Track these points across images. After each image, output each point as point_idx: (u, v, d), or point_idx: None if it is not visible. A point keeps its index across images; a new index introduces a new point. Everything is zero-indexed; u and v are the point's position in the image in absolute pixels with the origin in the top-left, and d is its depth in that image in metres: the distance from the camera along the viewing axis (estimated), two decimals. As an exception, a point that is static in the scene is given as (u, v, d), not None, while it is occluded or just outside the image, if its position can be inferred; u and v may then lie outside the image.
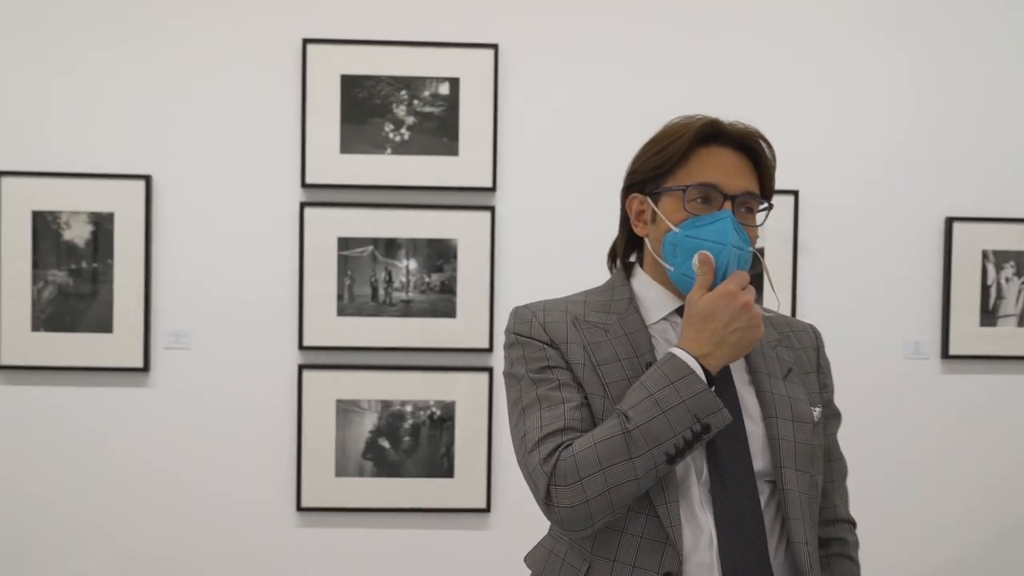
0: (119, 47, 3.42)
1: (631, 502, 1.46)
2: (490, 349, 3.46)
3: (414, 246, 3.45)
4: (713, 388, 1.44)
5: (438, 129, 3.44)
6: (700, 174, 1.56)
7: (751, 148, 1.59)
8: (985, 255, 3.58)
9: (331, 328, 3.41)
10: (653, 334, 1.59)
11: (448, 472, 3.47)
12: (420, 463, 3.46)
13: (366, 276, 3.44)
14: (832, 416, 1.75)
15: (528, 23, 3.51)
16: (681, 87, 3.52)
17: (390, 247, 3.45)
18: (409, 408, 3.47)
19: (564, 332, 1.57)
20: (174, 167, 3.42)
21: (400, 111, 3.45)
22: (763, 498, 1.52)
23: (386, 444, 3.46)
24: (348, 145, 3.40)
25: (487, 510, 3.49)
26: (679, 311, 1.61)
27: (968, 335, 3.57)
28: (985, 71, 3.62)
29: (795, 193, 3.53)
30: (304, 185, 3.38)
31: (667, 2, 3.54)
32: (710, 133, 1.58)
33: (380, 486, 3.43)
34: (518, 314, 1.65)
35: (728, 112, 1.70)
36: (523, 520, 3.44)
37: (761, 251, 3.44)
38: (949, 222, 3.58)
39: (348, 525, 3.47)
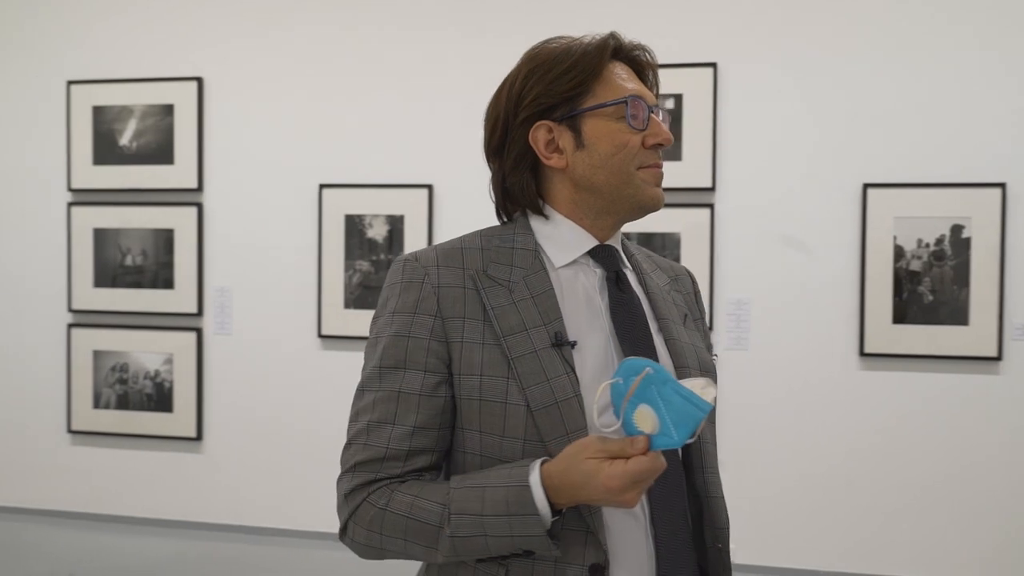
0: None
1: None
2: (710, 328, 3.99)
3: (644, 240, 4.05)
4: (556, 518, 1.28)
5: (665, 138, 4.02)
6: (623, 87, 1.44)
7: (641, 60, 1.53)
8: None
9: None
10: (561, 282, 1.44)
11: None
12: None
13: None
14: None
15: (743, 43, 4.00)
16: (886, 93, 3.88)
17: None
18: (639, 377, 4.07)
19: (461, 301, 1.38)
20: (451, 176, 4.23)
21: (632, 124, 4.06)
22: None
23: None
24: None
25: (707, 468, 4.02)
26: (592, 253, 1.48)
27: None
28: None
29: (1002, 186, 3.77)
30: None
31: (870, 21, 3.91)
32: (614, 47, 1.49)
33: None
34: (407, 268, 1.42)
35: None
36: (736, 476, 3.96)
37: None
38: None
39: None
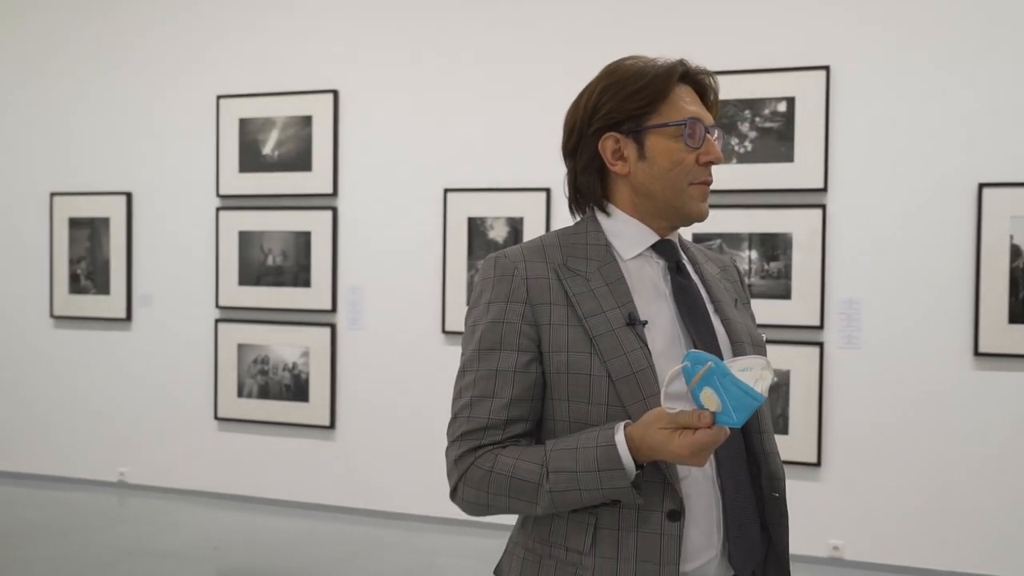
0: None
1: None
2: (821, 326, 4.07)
3: (758, 239, 4.16)
4: (639, 471, 1.44)
5: (777, 140, 4.12)
6: (684, 109, 1.58)
7: (705, 84, 1.65)
8: None
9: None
10: (630, 271, 1.60)
11: (784, 430, 4.13)
12: (759, 420, 4.15)
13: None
14: None
15: (855, 46, 4.06)
16: (1000, 92, 3.88)
17: (735, 240, 4.19)
18: (750, 374, 4.18)
19: (547, 290, 1.56)
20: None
21: (744, 127, 4.18)
22: None
23: (731, 403, 4.20)
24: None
25: (817, 464, 4.09)
26: (654, 247, 1.63)
27: None
28: None
29: (1126, 185, 3.73)
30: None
31: (982, 21, 3.91)
32: (682, 72, 1.61)
33: (725, 437, 4.18)
34: (499, 265, 1.60)
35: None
36: (852, 475, 4.02)
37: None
38: None
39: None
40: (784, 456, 4.10)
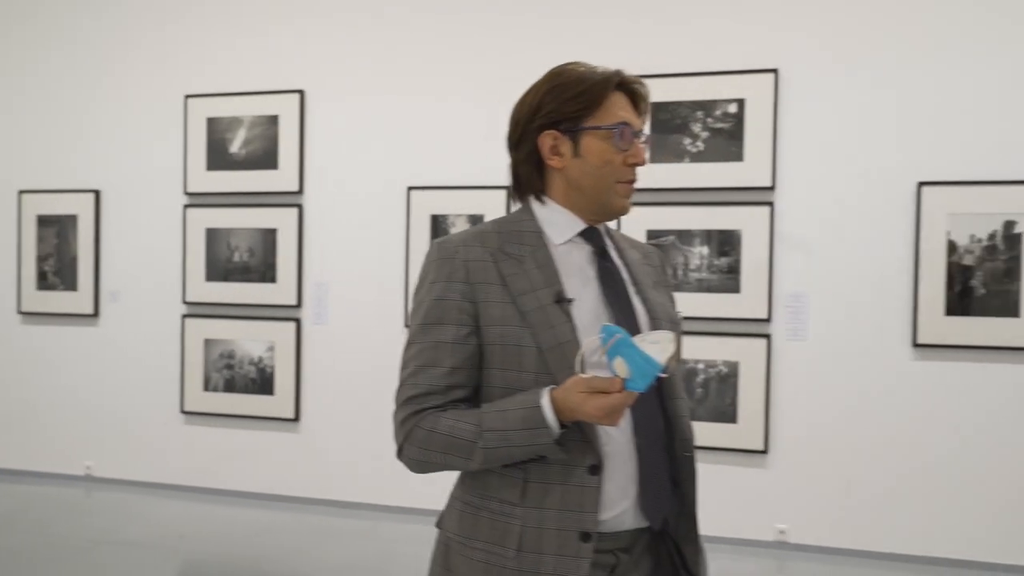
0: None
1: None
2: (768, 319, 4.23)
3: (708, 236, 4.32)
4: (563, 430, 1.62)
5: (727, 140, 4.29)
6: (617, 114, 1.75)
7: (638, 92, 1.81)
8: None
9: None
10: (559, 255, 1.77)
11: (732, 419, 4.29)
12: (709, 411, 4.31)
13: (667, 259, 4.36)
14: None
15: (803, 50, 4.25)
16: (938, 94, 4.07)
17: (687, 236, 4.35)
18: (701, 366, 4.34)
19: (484, 271, 1.72)
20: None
21: (696, 128, 4.34)
22: None
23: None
24: (655, 156, 4.36)
25: (765, 451, 4.25)
26: (582, 234, 1.80)
27: None
28: None
29: (1054, 184, 3.92)
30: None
31: (922, 25, 4.11)
32: (619, 81, 1.78)
33: (678, 426, 4.33)
34: (442, 249, 1.76)
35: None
36: (798, 462, 4.18)
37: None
38: None
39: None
40: (732, 444, 4.28)
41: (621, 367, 1.52)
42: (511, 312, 1.69)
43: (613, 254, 1.85)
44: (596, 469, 1.65)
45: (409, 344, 1.78)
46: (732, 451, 4.29)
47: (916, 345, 4.08)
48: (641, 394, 1.57)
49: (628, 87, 1.80)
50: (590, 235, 1.81)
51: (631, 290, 1.81)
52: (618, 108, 1.76)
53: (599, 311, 1.73)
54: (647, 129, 1.87)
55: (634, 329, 1.71)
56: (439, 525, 1.80)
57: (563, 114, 1.75)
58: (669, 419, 1.76)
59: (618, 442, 1.68)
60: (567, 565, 1.63)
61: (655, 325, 1.77)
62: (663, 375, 1.56)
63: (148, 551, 4.33)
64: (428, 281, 1.76)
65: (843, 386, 4.19)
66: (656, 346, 1.53)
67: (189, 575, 4.23)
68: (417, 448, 1.70)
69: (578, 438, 1.65)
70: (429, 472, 1.74)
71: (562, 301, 1.70)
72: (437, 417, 1.69)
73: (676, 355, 1.64)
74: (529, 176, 1.82)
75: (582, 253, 1.80)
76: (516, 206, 1.88)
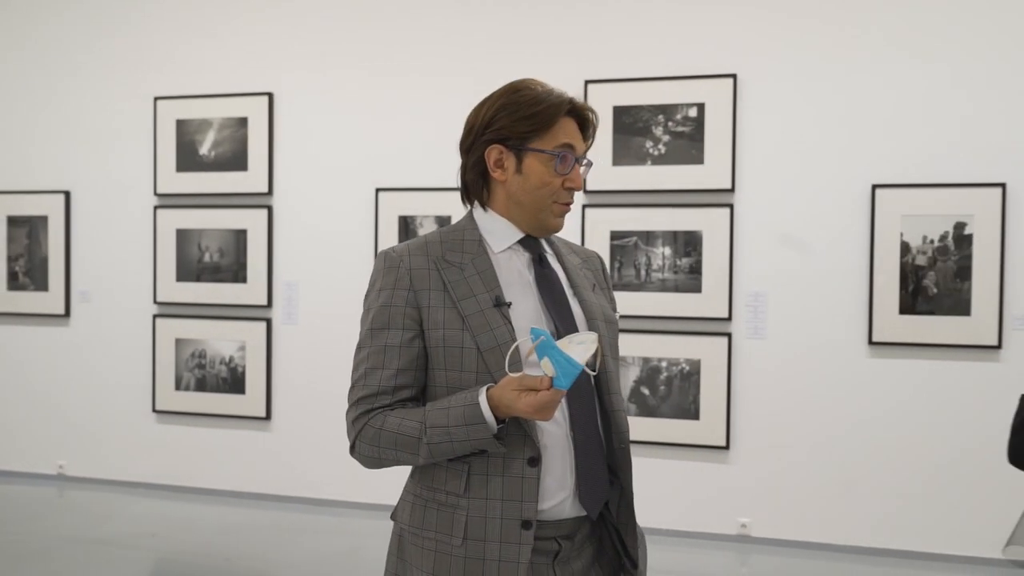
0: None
1: None
2: (729, 318, 4.34)
3: (671, 237, 4.41)
4: (501, 425, 1.71)
5: (688, 143, 4.39)
6: (562, 140, 1.84)
7: (587, 120, 1.89)
8: None
9: (604, 300, 4.47)
10: (500, 262, 1.87)
11: (695, 415, 4.39)
12: (672, 407, 4.41)
13: (631, 260, 4.46)
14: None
15: (761, 56, 4.34)
16: (892, 100, 4.18)
17: (650, 237, 4.44)
18: (664, 364, 4.44)
19: (427, 279, 1.82)
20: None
21: (658, 131, 4.43)
22: None
23: (646, 391, 4.45)
24: (618, 158, 4.44)
25: (726, 447, 4.36)
26: (520, 242, 1.90)
27: None
28: None
29: (1002, 186, 4.04)
30: (585, 191, 4.46)
31: (876, 32, 4.22)
32: (570, 108, 1.86)
33: (641, 424, 4.42)
34: (388, 258, 1.86)
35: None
36: (758, 457, 4.29)
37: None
38: None
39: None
40: (694, 440, 4.38)
41: (548, 367, 1.62)
42: (453, 316, 1.79)
43: (552, 260, 1.95)
44: (535, 461, 1.75)
45: (359, 348, 1.88)
46: (694, 447, 4.39)
47: (871, 343, 4.19)
48: (578, 390, 1.69)
49: (579, 113, 1.89)
50: (528, 243, 1.91)
51: (569, 293, 1.91)
52: (564, 133, 1.85)
53: (538, 314, 1.83)
54: (591, 155, 1.96)
55: (571, 329, 1.81)
56: (393, 517, 1.91)
57: (512, 132, 1.84)
58: (606, 413, 1.86)
59: (555, 436, 1.78)
60: (510, 551, 1.74)
61: (592, 326, 1.87)
62: (593, 373, 1.68)
63: (121, 549, 4.38)
64: (376, 288, 1.87)
65: (802, 382, 4.30)
66: (581, 347, 1.63)
67: (162, 573, 4.29)
68: (368, 445, 1.81)
69: (517, 432, 1.75)
70: (380, 467, 1.85)
71: (501, 305, 1.80)
72: (386, 416, 1.79)
73: (600, 353, 1.75)
74: (474, 183, 1.93)
75: (521, 260, 1.89)
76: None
